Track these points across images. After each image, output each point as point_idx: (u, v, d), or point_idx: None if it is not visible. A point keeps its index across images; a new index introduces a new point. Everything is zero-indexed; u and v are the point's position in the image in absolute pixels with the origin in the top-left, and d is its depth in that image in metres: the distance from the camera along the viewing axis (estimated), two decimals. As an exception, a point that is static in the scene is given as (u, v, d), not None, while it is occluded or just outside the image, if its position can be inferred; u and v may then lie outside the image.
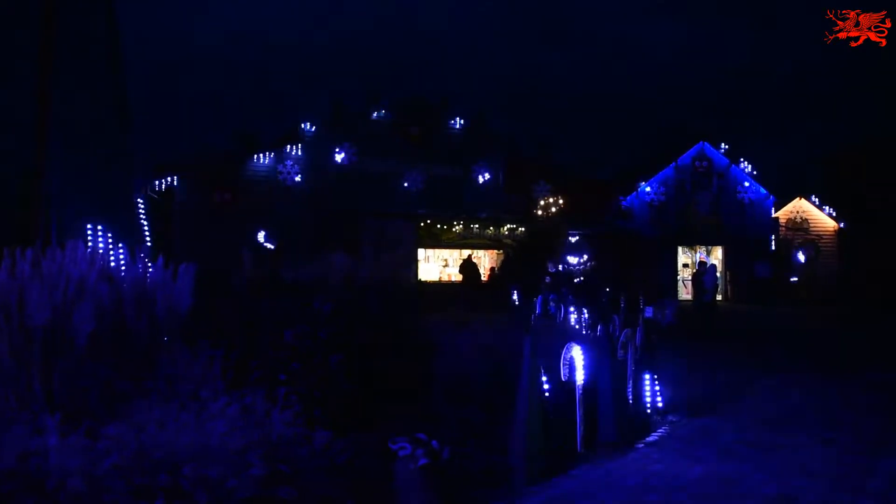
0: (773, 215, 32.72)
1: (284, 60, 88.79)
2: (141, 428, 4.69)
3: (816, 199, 33.78)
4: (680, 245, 31.92)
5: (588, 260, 26.54)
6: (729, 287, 31.63)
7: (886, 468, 6.57)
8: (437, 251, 27.78)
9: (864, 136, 43.85)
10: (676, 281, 31.29)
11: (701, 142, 31.53)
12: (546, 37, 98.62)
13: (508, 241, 27.18)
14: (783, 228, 33.30)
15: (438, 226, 26.20)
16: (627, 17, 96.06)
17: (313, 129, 28.52)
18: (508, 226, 27.15)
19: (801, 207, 33.77)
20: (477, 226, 27.01)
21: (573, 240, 28.14)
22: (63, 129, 11.00)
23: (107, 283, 6.14)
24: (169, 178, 27.23)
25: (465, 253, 26.67)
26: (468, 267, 24.36)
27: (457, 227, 26.34)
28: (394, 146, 28.34)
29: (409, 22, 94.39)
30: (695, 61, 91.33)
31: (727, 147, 32.02)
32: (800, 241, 33.67)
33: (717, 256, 32.15)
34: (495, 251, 28.09)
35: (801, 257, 32.91)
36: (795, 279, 31.94)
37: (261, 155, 27.72)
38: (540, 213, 29.30)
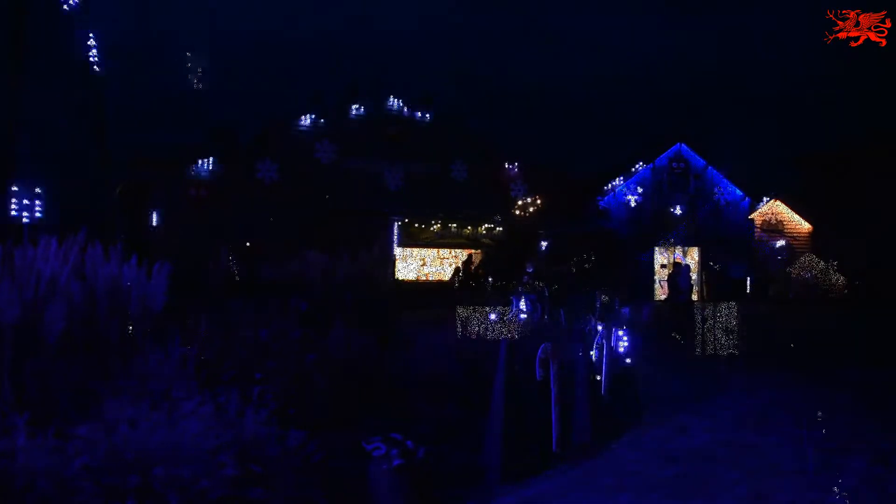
0: (749, 216, 33.02)
1: (261, 55, 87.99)
2: (112, 428, 4.63)
3: (790, 201, 34.12)
4: (657, 245, 32.05)
5: (565, 259, 26.60)
6: (705, 287, 31.81)
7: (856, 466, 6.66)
8: (415, 250, 27.73)
9: (837, 137, 44.37)
10: (653, 281, 31.44)
11: (678, 143, 31.74)
12: (522, 34, 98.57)
13: (486, 241, 27.22)
14: (758, 229, 33.61)
15: (416, 225, 26.19)
16: (606, 13, 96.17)
17: (291, 125, 28.40)
18: (486, 225, 27.20)
19: (776, 209, 34.08)
20: (454, 225, 27.02)
21: (550, 240, 28.21)
22: (35, 127, 10.90)
23: (79, 280, 6.06)
24: (144, 174, 26.96)
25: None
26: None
27: (435, 227, 26.33)
28: (372, 145, 28.26)
29: (384, 18, 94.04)
30: (673, 60, 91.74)
31: (704, 148, 32.27)
32: (774, 242, 34.00)
33: (693, 257, 32.38)
34: (472, 250, 28.09)
35: (776, 257, 33.24)
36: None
37: (238, 151, 27.54)
38: (518, 212, 29.35)
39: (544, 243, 26.98)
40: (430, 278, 26.58)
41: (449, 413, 6.96)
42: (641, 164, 31.74)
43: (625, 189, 31.37)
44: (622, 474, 6.34)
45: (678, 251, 32.30)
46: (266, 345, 6.66)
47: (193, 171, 27.07)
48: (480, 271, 26.36)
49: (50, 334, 5.64)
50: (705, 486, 5.99)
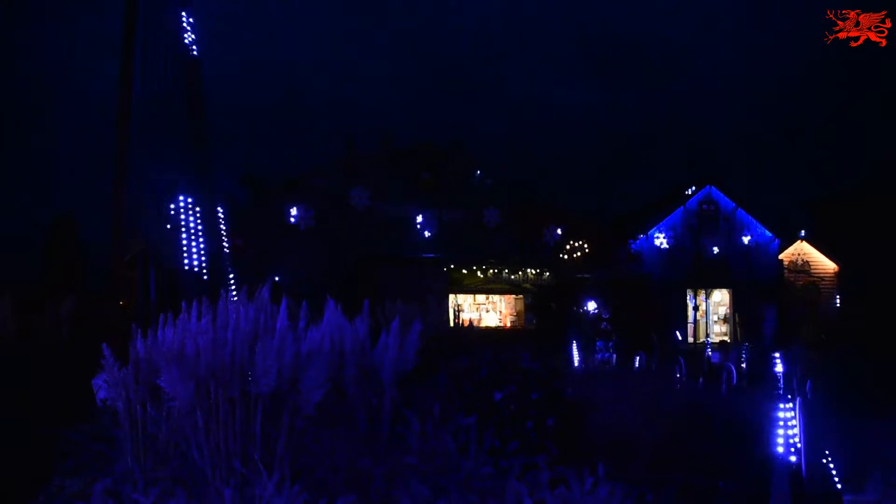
0: (779, 257, 32.97)
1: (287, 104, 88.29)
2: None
3: (817, 242, 34.19)
4: (688, 288, 31.81)
5: (608, 304, 26.19)
6: (738, 330, 31.55)
7: None
8: (459, 297, 27.19)
9: (862, 178, 44.93)
10: (687, 324, 31.18)
11: (708, 185, 31.73)
12: (547, 71, 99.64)
13: (528, 286, 26.78)
14: (786, 270, 33.57)
15: (463, 271, 25.73)
16: (629, 50, 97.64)
17: (324, 172, 27.99)
18: (529, 270, 26.76)
19: (802, 250, 34.15)
20: (495, 271, 26.59)
21: (587, 285, 27.81)
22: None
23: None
24: (175, 225, 26.23)
25: (494, 299, 26.27)
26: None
27: (479, 274, 25.88)
28: (406, 191, 27.83)
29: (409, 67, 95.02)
30: (694, 97, 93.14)
31: (733, 190, 32.29)
32: (801, 282, 33.98)
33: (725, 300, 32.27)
34: (513, 296, 27.64)
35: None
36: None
37: (270, 200, 27.04)
38: (564, 257, 28.88)
39: (586, 289, 26.56)
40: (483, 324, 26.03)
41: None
42: (672, 206, 31.64)
43: (657, 232, 31.17)
44: None
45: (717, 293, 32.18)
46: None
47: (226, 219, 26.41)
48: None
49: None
50: None
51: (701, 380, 13.70)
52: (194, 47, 13.53)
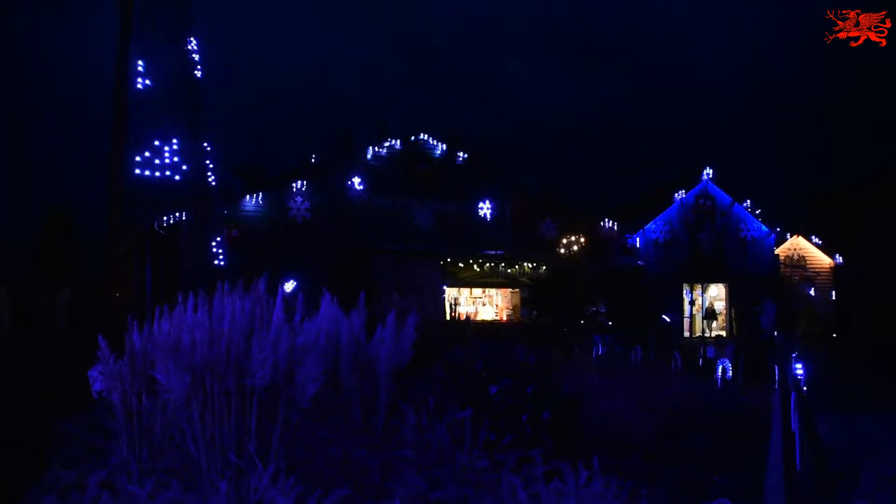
0: (775, 252, 33.04)
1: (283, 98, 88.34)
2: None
3: (813, 237, 34.27)
4: (685, 282, 31.88)
5: (604, 298, 26.24)
6: (734, 325, 31.62)
7: None
8: (450, 290, 27.16)
9: (858, 174, 44.98)
10: (683, 318, 31.26)
11: (705, 180, 31.73)
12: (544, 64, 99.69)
13: (525, 280, 26.78)
14: (782, 265, 33.65)
15: (459, 265, 25.70)
16: (627, 47, 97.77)
17: (320, 164, 27.92)
18: (526, 264, 26.76)
19: (798, 245, 34.22)
20: (491, 264, 26.57)
21: (584, 278, 27.83)
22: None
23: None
24: (171, 216, 26.21)
25: (490, 292, 26.25)
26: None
27: (475, 267, 25.85)
28: (402, 183, 27.75)
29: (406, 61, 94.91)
30: (698, 90, 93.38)
31: (730, 185, 32.31)
32: (797, 277, 34.07)
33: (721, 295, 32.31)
34: (509, 290, 27.63)
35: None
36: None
37: (265, 191, 26.92)
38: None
39: (585, 282, 26.59)
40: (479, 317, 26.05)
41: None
42: (668, 201, 31.64)
43: (653, 226, 31.19)
44: None
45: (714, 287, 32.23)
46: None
47: (221, 210, 26.33)
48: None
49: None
50: None
51: (697, 374, 13.73)
52: (192, 41, 13.51)
